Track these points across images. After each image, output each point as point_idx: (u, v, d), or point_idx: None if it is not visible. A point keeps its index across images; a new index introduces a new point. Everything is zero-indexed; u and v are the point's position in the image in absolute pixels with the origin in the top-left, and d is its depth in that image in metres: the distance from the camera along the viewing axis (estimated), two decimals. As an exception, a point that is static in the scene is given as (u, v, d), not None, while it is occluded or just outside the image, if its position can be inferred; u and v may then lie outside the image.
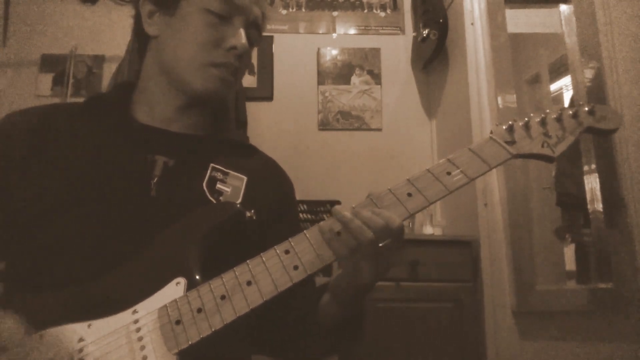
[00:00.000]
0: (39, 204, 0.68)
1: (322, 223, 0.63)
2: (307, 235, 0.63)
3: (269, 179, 0.85)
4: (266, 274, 0.60)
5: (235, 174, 0.79)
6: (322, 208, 2.32)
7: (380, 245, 0.59)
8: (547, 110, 0.74)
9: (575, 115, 0.73)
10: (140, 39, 0.84)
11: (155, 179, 0.73)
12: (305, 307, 0.75)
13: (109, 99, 0.82)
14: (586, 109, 0.74)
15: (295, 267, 0.61)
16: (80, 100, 0.82)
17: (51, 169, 0.71)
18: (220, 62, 0.77)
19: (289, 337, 0.79)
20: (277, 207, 0.82)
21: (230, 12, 0.77)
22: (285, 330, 0.78)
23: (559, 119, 0.72)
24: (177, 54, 0.78)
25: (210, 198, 0.74)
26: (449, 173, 0.66)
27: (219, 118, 0.89)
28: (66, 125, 0.76)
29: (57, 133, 0.75)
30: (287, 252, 0.62)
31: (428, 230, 2.28)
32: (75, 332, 0.58)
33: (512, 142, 0.70)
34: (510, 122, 0.71)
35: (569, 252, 2.20)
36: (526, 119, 0.72)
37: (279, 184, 0.87)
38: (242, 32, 0.77)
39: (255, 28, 0.81)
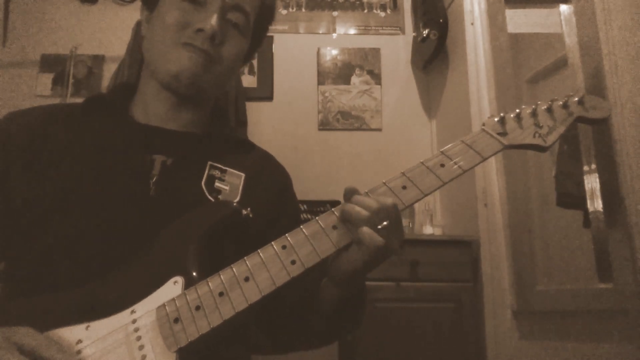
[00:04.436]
0: (37, 205, 0.68)
1: (321, 217, 0.63)
2: (304, 230, 0.63)
3: (266, 174, 0.84)
4: (264, 270, 0.60)
5: (234, 171, 0.79)
6: (322, 208, 2.31)
7: (379, 227, 0.59)
8: (538, 102, 0.75)
9: (565, 106, 0.75)
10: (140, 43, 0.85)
11: (154, 179, 0.73)
12: (305, 291, 0.74)
13: (108, 99, 0.82)
14: (576, 99, 0.75)
15: (293, 262, 0.61)
16: (81, 100, 0.81)
17: (50, 170, 0.71)
18: (186, 41, 0.74)
19: (288, 320, 0.78)
20: (275, 203, 0.82)
21: None
22: (284, 312, 0.78)
23: (549, 110, 0.74)
24: (152, 43, 0.78)
25: (209, 197, 0.74)
26: (442, 165, 0.67)
27: (216, 115, 0.89)
28: (65, 125, 0.76)
29: (57, 133, 0.75)
30: (284, 247, 0.62)
31: (428, 230, 2.29)
32: (73, 334, 0.58)
33: (504, 134, 0.71)
34: (501, 114, 0.73)
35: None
36: (517, 110, 0.74)
37: (276, 178, 0.87)
38: (213, 14, 0.74)
39: (238, 11, 0.78)
